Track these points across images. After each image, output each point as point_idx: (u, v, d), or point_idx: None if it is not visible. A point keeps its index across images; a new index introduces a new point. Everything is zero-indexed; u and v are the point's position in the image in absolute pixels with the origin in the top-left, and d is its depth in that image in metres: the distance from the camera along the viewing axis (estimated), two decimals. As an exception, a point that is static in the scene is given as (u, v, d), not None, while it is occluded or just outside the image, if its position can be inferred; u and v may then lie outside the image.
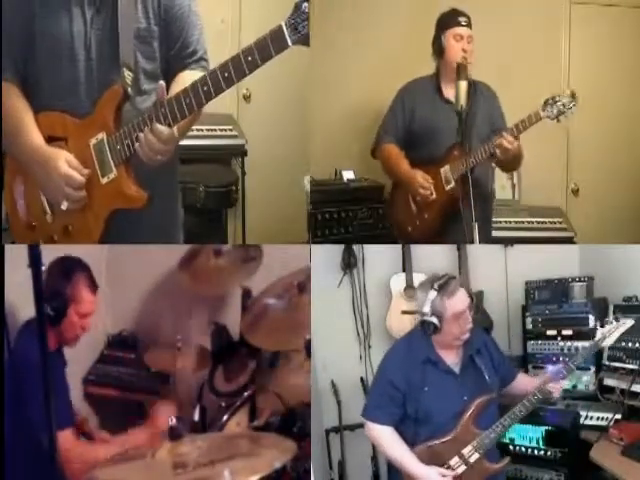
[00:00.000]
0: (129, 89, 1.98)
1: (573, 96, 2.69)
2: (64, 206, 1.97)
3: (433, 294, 2.22)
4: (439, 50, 2.98)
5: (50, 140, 2.00)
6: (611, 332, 2.30)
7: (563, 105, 2.66)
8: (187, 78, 2.00)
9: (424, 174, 2.89)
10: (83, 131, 1.98)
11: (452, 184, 2.83)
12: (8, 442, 2.05)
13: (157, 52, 2.08)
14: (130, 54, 2.00)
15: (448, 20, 2.96)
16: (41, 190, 2.04)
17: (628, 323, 2.31)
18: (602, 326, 2.35)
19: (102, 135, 1.96)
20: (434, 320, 2.21)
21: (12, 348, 2.24)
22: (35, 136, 1.99)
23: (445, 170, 2.86)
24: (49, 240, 2.06)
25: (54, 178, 1.95)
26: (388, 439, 2.28)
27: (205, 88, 1.81)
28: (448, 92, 2.98)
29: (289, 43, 1.72)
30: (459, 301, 2.23)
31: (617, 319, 2.34)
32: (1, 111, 2.00)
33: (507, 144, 2.69)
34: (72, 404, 2.35)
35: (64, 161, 1.95)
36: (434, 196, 2.88)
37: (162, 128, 1.85)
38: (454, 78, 2.87)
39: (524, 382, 2.46)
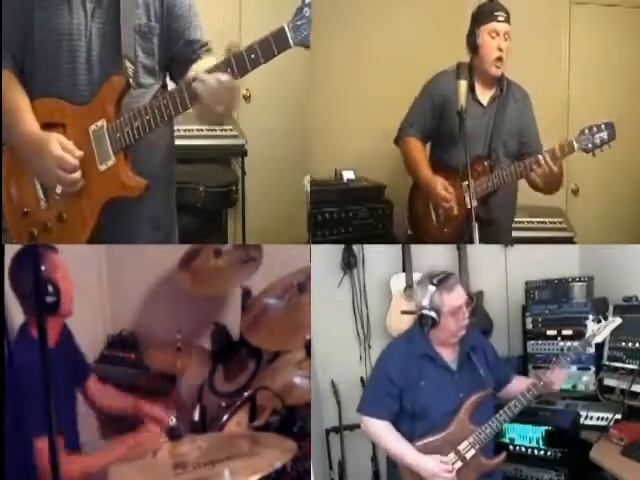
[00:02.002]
0: (130, 80, 2.00)
1: (612, 128, 2.50)
2: (58, 189, 1.98)
3: (432, 289, 2.26)
4: (473, 46, 2.79)
5: (48, 126, 2.01)
6: (600, 329, 2.35)
7: (601, 138, 2.49)
8: (202, 65, 2.00)
9: (445, 183, 2.75)
10: (82, 118, 2.00)
11: (475, 203, 2.59)
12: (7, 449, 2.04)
13: (156, 48, 2.10)
14: (131, 47, 2.03)
15: (484, 15, 2.78)
16: (35, 175, 2.05)
17: (617, 321, 2.36)
18: (593, 322, 2.38)
19: (102, 122, 1.97)
20: (432, 314, 2.25)
21: (9, 353, 2.22)
22: (30, 123, 2.00)
23: (468, 185, 2.64)
24: (43, 227, 2.07)
25: (47, 161, 1.96)
26: (386, 433, 2.29)
27: None
28: (480, 93, 2.83)
29: (291, 44, 1.79)
30: (457, 296, 2.27)
31: (606, 317, 2.37)
32: (0, 102, 2.00)
33: (546, 167, 2.52)
34: (76, 412, 2.34)
35: (57, 144, 1.95)
36: (456, 212, 2.74)
37: (223, 76, 1.82)
38: (488, 79, 2.77)
39: (519, 385, 2.45)
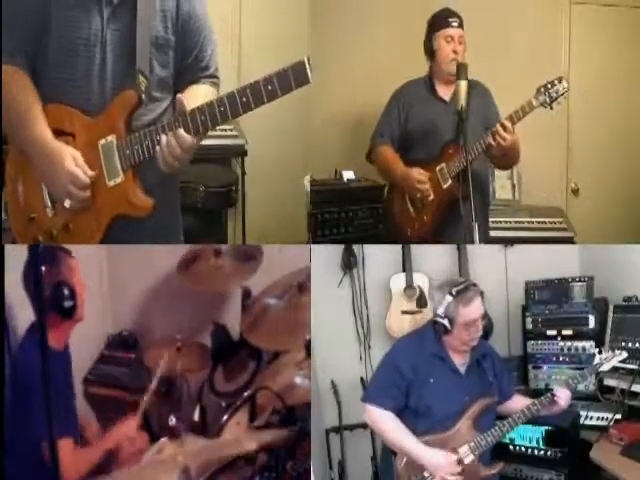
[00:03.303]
0: (142, 95, 1.97)
1: (564, 81, 2.67)
2: (67, 204, 1.96)
3: (449, 298, 2.26)
4: (430, 51, 3.00)
5: (57, 134, 1.98)
6: (608, 359, 2.41)
7: (556, 92, 2.65)
8: (198, 91, 2.05)
9: (420, 170, 2.89)
10: (92, 130, 1.97)
11: (449, 182, 2.83)
12: (8, 449, 2.04)
13: (172, 61, 2.08)
14: (146, 60, 1.99)
15: (439, 21, 2.97)
16: (45, 184, 2.02)
17: (623, 355, 2.43)
18: (600, 352, 2.45)
19: (112, 138, 1.94)
20: (445, 322, 2.26)
21: (14, 354, 2.22)
22: (43, 128, 1.96)
23: (441, 168, 2.86)
24: (48, 235, 2.05)
25: (59, 174, 1.93)
26: (390, 423, 2.28)
27: (222, 109, 1.82)
28: (442, 91, 3.01)
29: (310, 80, 1.75)
30: (473, 310, 2.27)
31: (613, 349, 2.47)
32: (1, 98, 1.98)
33: (502, 131, 2.68)
34: (76, 410, 2.35)
35: (70, 158, 1.93)
36: (432, 196, 2.88)
37: (185, 135, 1.85)
38: (447, 78, 2.92)
39: (519, 404, 2.43)
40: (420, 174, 2.88)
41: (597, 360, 2.43)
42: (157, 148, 1.89)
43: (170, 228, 2.28)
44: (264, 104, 1.79)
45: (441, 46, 2.95)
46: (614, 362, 2.42)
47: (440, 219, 2.90)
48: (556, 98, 2.67)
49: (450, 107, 2.91)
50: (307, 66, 1.73)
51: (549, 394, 2.35)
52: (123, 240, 2.07)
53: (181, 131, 1.85)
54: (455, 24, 2.94)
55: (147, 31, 2.00)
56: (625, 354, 2.44)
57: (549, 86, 2.67)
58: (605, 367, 2.42)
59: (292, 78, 1.74)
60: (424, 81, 3.06)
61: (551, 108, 2.69)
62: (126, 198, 1.95)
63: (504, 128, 2.69)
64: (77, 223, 2.02)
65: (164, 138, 1.87)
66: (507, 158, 2.91)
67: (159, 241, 2.23)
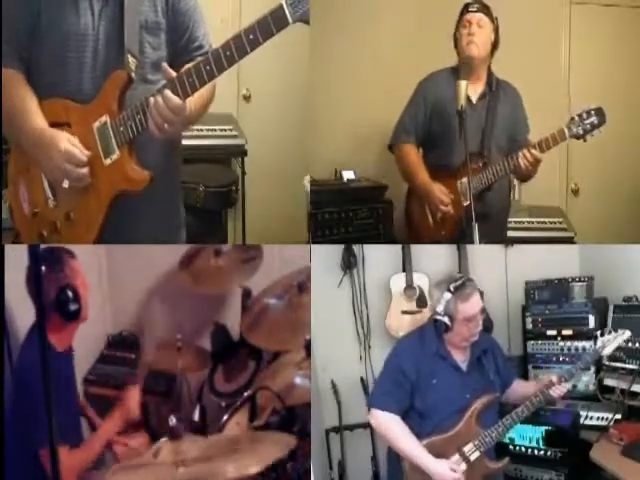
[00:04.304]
0: (132, 74, 1.98)
1: (601, 113, 2.55)
2: (65, 184, 1.98)
3: (448, 295, 2.26)
4: (455, 43, 2.90)
5: (53, 126, 2.01)
6: (610, 341, 2.37)
7: (591, 125, 2.55)
8: None
9: (442, 188, 2.82)
10: (86, 115, 2.00)
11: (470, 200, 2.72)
12: (9, 450, 2.03)
13: (164, 44, 2.11)
14: (135, 41, 2.02)
15: (461, 11, 2.88)
16: (42, 171, 2.05)
17: (626, 334, 2.39)
18: (602, 335, 2.41)
19: (105, 118, 1.98)
20: (445, 320, 2.27)
21: (18, 357, 2.21)
22: (39, 120, 2.00)
23: (463, 184, 2.78)
24: (52, 227, 2.07)
25: (55, 155, 1.96)
26: (395, 428, 2.28)
27: (208, 67, 1.84)
28: (470, 89, 2.83)
29: (290, 21, 1.74)
30: (472, 305, 2.28)
31: (615, 330, 2.42)
32: (1, 98, 2.00)
33: (530, 158, 2.62)
34: (79, 414, 2.35)
35: (66, 139, 1.97)
36: (452, 212, 2.82)
37: (171, 95, 1.86)
38: (470, 72, 2.81)
39: (519, 389, 2.47)
40: (443, 193, 2.81)
41: (599, 343, 2.39)
42: (147, 108, 1.90)
43: (170, 219, 2.29)
44: (247, 54, 1.80)
45: (461, 34, 2.85)
46: (619, 341, 2.38)
47: (459, 235, 2.85)
48: (591, 130, 2.55)
49: (477, 109, 2.83)
50: (285, 8, 1.72)
51: (546, 387, 2.36)
52: (123, 229, 2.08)
53: (167, 91, 1.86)
54: (473, 9, 2.83)
55: (136, 15, 2.03)
56: (629, 333, 2.39)
57: (585, 115, 2.56)
58: (609, 349, 2.38)
59: (272, 23, 1.74)
60: (452, 73, 2.93)
61: (584, 140, 2.58)
62: (123, 173, 1.98)
63: (534, 158, 2.62)
64: (79, 209, 2.04)
65: (152, 100, 1.89)
66: (529, 175, 2.88)
67: (159, 232, 2.23)
